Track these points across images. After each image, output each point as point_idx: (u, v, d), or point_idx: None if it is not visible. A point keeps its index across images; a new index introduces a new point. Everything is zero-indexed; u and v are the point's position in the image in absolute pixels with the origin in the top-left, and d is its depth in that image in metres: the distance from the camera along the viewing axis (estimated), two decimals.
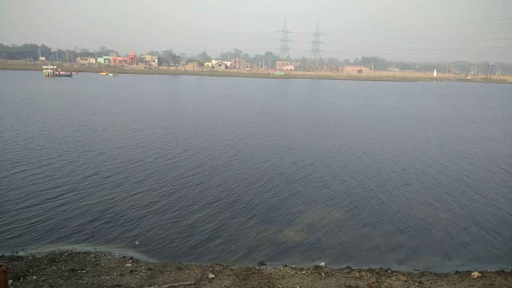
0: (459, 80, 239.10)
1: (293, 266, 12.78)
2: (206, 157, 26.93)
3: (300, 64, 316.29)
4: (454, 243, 15.36)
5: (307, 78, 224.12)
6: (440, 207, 19.07)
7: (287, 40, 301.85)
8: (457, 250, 14.82)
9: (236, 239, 14.86)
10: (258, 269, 12.23)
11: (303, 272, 11.98)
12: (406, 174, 24.61)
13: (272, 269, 12.31)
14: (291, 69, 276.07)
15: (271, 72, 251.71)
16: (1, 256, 11.80)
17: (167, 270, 11.54)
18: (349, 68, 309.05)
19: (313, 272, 12.04)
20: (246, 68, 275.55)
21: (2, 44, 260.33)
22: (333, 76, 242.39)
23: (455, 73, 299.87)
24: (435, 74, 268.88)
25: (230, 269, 11.99)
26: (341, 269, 12.74)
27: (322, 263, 13.10)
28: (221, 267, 12.12)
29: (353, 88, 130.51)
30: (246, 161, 26.31)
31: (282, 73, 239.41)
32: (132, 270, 11.26)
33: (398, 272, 12.63)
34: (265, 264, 13.04)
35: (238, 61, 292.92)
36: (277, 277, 11.45)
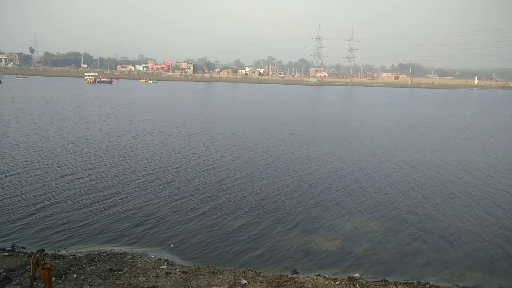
0: (502, 87, 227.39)
1: (327, 276, 12.56)
2: (243, 164, 27.17)
3: (334, 71, 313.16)
4: (499, 260, 14.54)
5: (341, 85, 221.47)
6: (489, 220, 18.17)
7: (321, 47, 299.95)
8: (502, 268, 14.02)
9: (269, 246, 14.81)
10: (291, 277, 12.13)
11: (337, 282, 11.76)
12: (450, 185, 23.66)
13: (305, 278, 12.17)
14: (324, 76, 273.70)
15: (304, 79, 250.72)
16: (45, 254, 12.38)
17: (200, 274, 11.68)
18: (385, 75, 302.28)
19: (347, 283, 11.80)
20: (279, 75, 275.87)
21: (48, 52, 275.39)
22: (368, 83, 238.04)
23: (497, 80, 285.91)
24: (476, 81, 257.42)
25: (263, 276, 11.96)
26: (376, 281, 12.39)
27: (357, 275, 12.80)
28: (253, 274, 12.12)
29: (390, 95, 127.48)
30: (282, 168, 26.25)
31: (316, 80, 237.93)
32: (167, 272, 11.49)
33: (436, 286, 12.13)
34: (298, 273, 12.91)
35: (271, 68, 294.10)
36: (310, 286, 11.31)
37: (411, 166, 28.10)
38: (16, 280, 10.09)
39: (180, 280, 11.04)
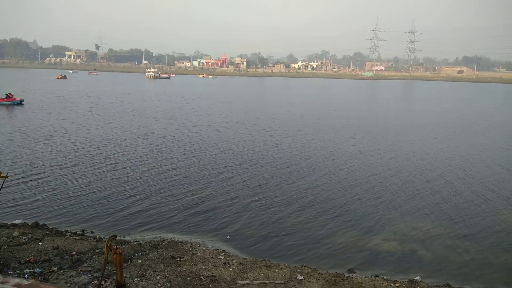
0: None
1: (385, 277, 12.14)
2: (301, 159, 27.11)
3: (391, 64, 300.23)
4: None
5: (399, 79, 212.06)
6: None
7: (378, 39, 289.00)
8: None
9: (325, 243, 14.62)
10: (348, 276, 11.86)
11: (397, 285, 11.31)
12: None
13: (363, 278, 11.85)
14: (381, 70, 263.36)
15: (359, 73, 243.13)
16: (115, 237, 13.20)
17: (257, 267, 11.81)
18: (448, 68, 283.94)
19: (408, 286, 11.30)
20: (333, 69, 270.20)
21: (111, 49, 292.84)
22: (428, 77, 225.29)
23: None
24: None
25: (319, 273, 11.82)
26: (439, 285, 11.77)
27: (418, 277, 12.21)
28: (309, 270, 12.02)
29: (454, 90, 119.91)
30: (340, 165, 25.80)
31: (372, 74, 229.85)
32: (225, 263, 11.76)
33: None
34: (355, 272, 12.61)
35: (325, 62, 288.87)
36: (368, 287, 10.99)
37: (493, 166, 26.24)
38: (87, 262, 10.83)
39: (238, 271, 11.25)
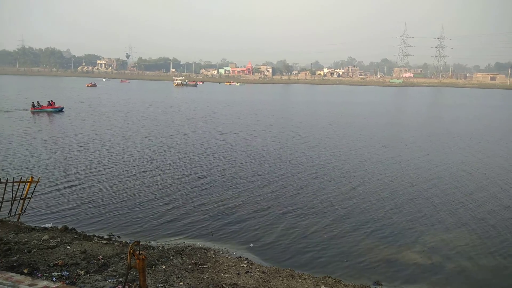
0: None
1: None
2: (329, 168, 26.81)
3: (420, 71, 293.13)
4: None
5: (428, 86, 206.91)
6: None
7: (407, 46, 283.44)
8: None
9: (350, 253, 14.30)
10: None
11: None
12: None
13: None
14: (410, 76, 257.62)
15: (387, 79, 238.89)
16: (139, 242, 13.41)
17: (280, 276, 11.67)
18: (480, 75, 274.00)
19: None
20: (360, 76, 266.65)
21: (141, 58, 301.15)
22: (459, 84, 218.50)
23: None
24: None
25: (344, 285, 11.55)
26: None
27: None
28: (333, 281, 11.77)
29: (487, 97, 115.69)
30: (368, 174, 25.32)
31: (400, 81, 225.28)
32: (248, 271, 11.68)
33: None
34: (381, 284, 12.24)
35: (351, 69, 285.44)
36: None
37: None
38: (112, 267, 11.01)
39: (260, 280, 11.14)
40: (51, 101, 56.18)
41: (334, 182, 23.06)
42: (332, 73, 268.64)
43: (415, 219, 17.66)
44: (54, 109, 54.29)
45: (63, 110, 55.26)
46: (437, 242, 15.41)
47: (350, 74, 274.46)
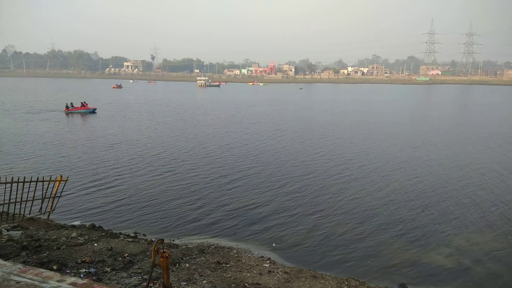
0: None
1: None
2: (352, 169, 26.47)
3: (448, 68, 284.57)
4: None
5: (456, 83, 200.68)
6: None
7: (434, 43, 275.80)
8: None
9: (373, 255, 14.05)
10: None
11: None
12: None
13: None
14: (437, 74, 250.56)
15: (413, 77, 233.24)
16: (164, 243, 13.65)
17: (302, 277, 11.59)
18: (511, 71, 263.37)
19: None
20: (385, 74, 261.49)
21: (166, 59, 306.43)
22: (489, 81, 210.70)
23: None
24: None
25: (368, 286, 11.35)
26: None
27: None
28: (357, 283, 11.58)
29: None
30: (394, 174, 24.84)
31: (427, 79, 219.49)
32: (270, 271, 11.66)
33: None
34: (406, 287, 11.95)
35: (376, 67, 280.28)
36: None
37: None
38: (137, 264, 11.23)
39: (283, 280, 11.10)
40: (84, 102, 57.81)
41: (360, 183, 22.70)
42: (356, 72, 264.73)
43: (444, 221, 17.15)
44: (86, 110, 55.85)
45: (95, 111, 56.76)
46: (466, 245, 14.91)
47: (375, 72, 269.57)
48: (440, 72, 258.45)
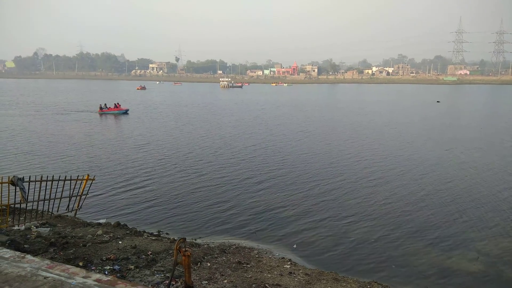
0: None
1: None
2: (379, 171, 26.05)
3: (477, 68, 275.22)
4: None
5: (485, 83, 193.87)
6: None
7: (462, 42, 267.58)
8: None
9: (397, 259, 13.76)
10: None
11: None
12: None
13: None
14: (465, 74, 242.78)
15: (440, 77, 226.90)
16: (186, 242, 13.84)
17: (323, 279, 11.49)
18: None
19: None
20: (411, 74, 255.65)
21: (190, 61, 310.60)
22: None
23: None
24: None
25: None
26: None
27: None
28: (380, 287, 11.38)
29: None
30: (421, 177, 24.29)
31: (454, 78, 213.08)
32: (291, 272, 11.62)
33: None
34: None
35: (402, 67, 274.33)
36: None
37: None
38: (160, 262, 11.43)
39: (303, 282, 11.04)
40: (117, 103, 59.31)
41: (387, 186, 22.16)
42: (380, 72, 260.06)
43: (473, 226, 16.61)
44: (119, 111, 57.24)
45: (128, 112, 58.12)
46: (493, 250, 14.39)
47: (400, 72, 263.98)
48: (468, 72, 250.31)
